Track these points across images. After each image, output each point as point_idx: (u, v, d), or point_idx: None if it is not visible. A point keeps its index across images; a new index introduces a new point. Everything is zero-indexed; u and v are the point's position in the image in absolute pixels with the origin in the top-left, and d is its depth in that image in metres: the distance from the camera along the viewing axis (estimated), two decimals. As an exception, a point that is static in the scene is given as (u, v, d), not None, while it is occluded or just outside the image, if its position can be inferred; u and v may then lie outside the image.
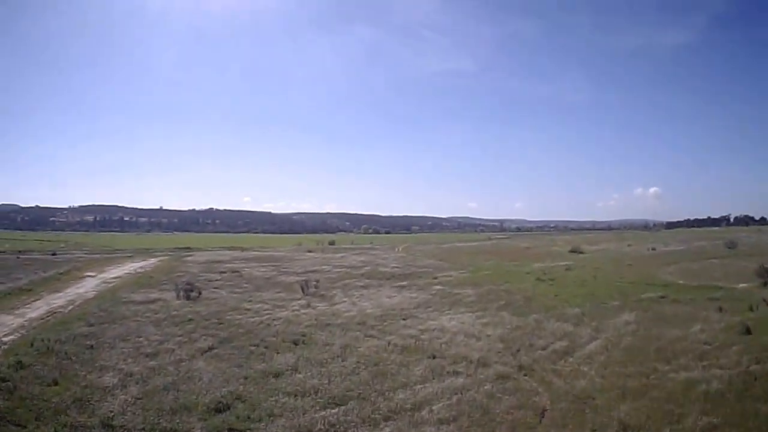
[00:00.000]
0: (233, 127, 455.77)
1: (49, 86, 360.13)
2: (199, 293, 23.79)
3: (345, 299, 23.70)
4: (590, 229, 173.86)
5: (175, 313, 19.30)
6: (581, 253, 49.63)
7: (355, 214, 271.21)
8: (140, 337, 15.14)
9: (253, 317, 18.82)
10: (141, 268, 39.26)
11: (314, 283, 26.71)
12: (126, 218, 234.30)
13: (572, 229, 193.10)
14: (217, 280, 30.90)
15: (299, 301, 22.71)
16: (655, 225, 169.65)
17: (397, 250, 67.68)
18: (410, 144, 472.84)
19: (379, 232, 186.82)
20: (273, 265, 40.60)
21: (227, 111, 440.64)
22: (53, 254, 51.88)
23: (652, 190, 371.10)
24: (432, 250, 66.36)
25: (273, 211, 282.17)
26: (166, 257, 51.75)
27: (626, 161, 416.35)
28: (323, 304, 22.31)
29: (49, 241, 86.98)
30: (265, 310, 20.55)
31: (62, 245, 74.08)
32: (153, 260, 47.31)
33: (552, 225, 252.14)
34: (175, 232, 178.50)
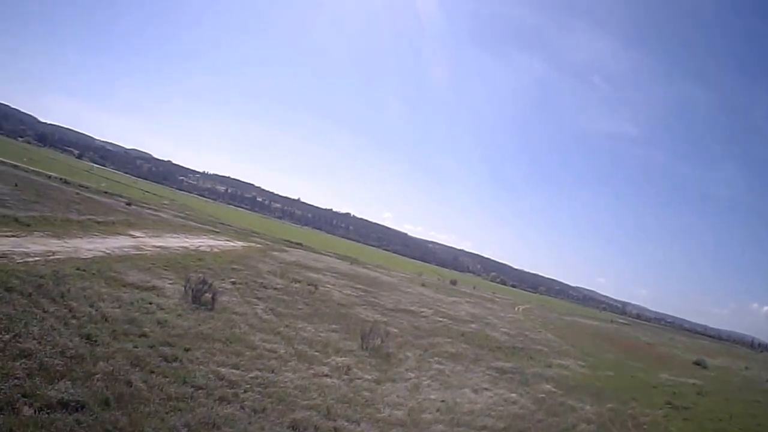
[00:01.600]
0: (391, 142, 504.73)
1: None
2: (213, 300, 18.52)
3: (411, 374, 16.91)
4: (702, 334, 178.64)
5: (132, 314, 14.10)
6: (705, 367, 46.64)
7: (488, 258, 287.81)
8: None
9: (244, 365, 12.69)
10: (208, 247, 37.05)
11: (383, 333, 20.16)
12: (259, 199, 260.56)
13: (686, 329, 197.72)
14: (274, 287, 26.67)
15: (342, 358, 16.26)
16: (760, 345, 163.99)
17: (516, 309, 66.83)
18: (554, 199, 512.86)
19: (505, 283, 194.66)
20: (365, 290, 36.79)
21: (391, 124, 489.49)
22: (128, 204, 53.60)
23: (765, 308, 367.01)
24: (553, 319, 65.18)
25: (410, 234, 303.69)
26: (258, 246, 50.83)
27: (755, 272, 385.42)
28: (373, 374, 15.57)
29: (153, 194, 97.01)
30: (277, 355, 14.45)
31: (165, 202, 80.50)
32: (238, 243, 46.66)
33: (669, 320, 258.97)
34: (305, 227, 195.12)
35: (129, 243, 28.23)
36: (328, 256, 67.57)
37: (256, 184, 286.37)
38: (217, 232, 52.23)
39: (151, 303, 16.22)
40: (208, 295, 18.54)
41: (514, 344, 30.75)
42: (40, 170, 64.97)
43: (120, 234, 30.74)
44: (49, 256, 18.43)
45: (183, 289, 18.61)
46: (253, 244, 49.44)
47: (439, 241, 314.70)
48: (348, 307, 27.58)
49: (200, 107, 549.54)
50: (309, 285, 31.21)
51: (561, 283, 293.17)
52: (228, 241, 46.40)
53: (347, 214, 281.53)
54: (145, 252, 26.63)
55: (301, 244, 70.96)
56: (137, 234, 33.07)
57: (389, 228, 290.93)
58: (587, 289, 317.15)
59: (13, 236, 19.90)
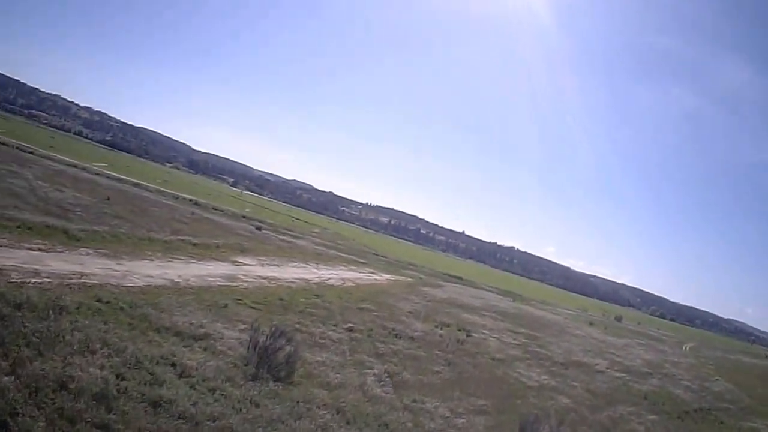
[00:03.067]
0: (556, 177, 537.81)
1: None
2: (289, 362, 12.67)
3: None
4: None
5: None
6: None
7: (647, 292, 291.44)
8: None
9: None
10: (339, 280, 34.12)
11: (553, 423, 12.99)
12: (423, 231, 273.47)
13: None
14: (409, 336, 21.90)
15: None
16: None
17: (684, 349, 65.05)
18: (705, 231, 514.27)
19: (664, 317, 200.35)
20: (528, 336, 32.91)
21: (560, 157, 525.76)
22: (257, 228, 52.95)
23: None
24: (721, 360, 59.92)
25: (572, 268, 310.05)
26: (409, 279, 49.40)
27: None
28: None
29: (305, 221, 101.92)
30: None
31: (315, 230, 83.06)
32: (384, 276, 45.44)
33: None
34: (468, 260, 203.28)
35: (223, 271, 24.57)
36: (489, 291, 66.02)
37: (421, 216, 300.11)
38: (362, 263, 51.02)
39: (183, 363, 10.84)
40: (284, 354, 12.75)
41: (700, 404, 28.58)
42: (169, 190, 68.36)
43: (219, 259, 27.48)
44: (68, 278, 14.64)
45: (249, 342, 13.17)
46: (402, 278, 48.11)
47: (600, 275, 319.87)
48: (506, 364, 23.65)
49: (362, 141, 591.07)
50: (459, 330, 27.21)
51: (714, 315, 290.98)
52: (372, 273, 44.80)
53: (511, 248, 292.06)
54: (236, 284, 22.46)
55: (460, 278, 70.26)
56: (245, 261, 29.96)
57: (552, 262, 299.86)
58: (737, 321, 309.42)
59: (36, 250, 17.01)
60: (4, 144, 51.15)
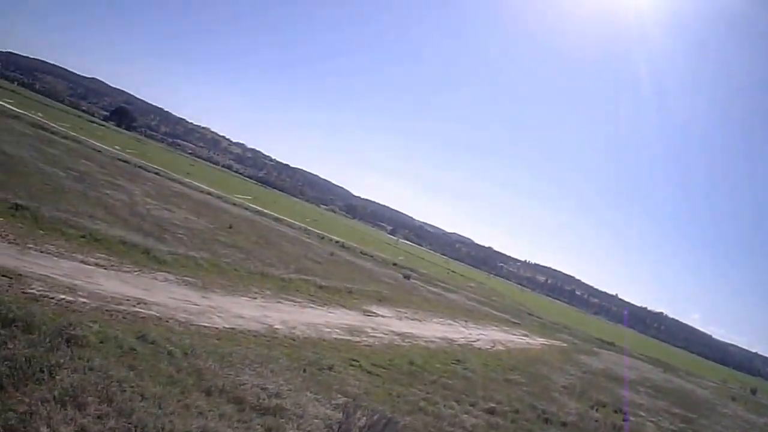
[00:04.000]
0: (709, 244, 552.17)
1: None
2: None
3: None
4: None
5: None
6: None
7: None
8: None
9: None
10: (489, 342, 31.38)
11: None
12: (578, 292, 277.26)
13: None
14: (561, 421, 17.78)
15: None
16: None
17: None
18: None
19: None
20: (684, 419, 29.05)
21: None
22: (406, 277, 50.73)
23: None
24: None
25: (713, 336, 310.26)
26: (563, 344, 47.68)
27: None
28: None
29: (460, 275, 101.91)
30: None
31: (471, 284, 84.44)
32: (538, 340, 43.30)
33: None
34: (618, 324, 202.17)
35: (347, 321, 21.40)
36: (641, 359, 64.81)
37: (576, 277, 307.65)
38: (516, 324, 49.17)
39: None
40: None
41: None
42: (313, 228, 67.96)
43: (346, 307, 24.36)
44: (114, 303, 12.19)
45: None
46: (556, 342, 46.89)
47: (738, 344, 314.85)
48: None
49: (525, 198, 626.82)
50: (616, 412, 24.86)
51: None
52: (525, 336, 42.97)
53: (660, 314, 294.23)
54: (358, 339, 19.05)
55: (613, 344, 70.38)
56: (379, 312, 26.72)
57: (697, 329, 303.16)
58: None
59: (91, 264, 14.99)
60: (124, 161, 52.68)
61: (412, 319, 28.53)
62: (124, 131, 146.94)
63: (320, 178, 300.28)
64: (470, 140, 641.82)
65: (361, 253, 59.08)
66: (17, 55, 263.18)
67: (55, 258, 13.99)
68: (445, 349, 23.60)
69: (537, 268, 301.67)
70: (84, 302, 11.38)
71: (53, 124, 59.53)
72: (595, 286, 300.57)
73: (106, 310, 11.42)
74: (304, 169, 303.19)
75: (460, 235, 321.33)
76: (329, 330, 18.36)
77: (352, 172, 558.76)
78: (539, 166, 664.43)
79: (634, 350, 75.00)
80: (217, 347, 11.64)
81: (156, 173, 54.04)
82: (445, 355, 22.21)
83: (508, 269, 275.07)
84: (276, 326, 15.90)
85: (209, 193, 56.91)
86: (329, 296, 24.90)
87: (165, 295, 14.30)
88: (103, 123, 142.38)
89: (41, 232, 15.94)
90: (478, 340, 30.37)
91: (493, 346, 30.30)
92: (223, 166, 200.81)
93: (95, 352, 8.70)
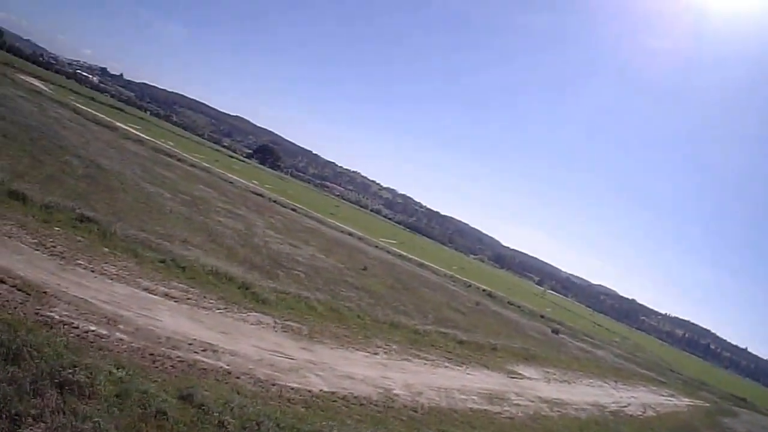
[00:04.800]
0: None
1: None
2: None
3: None
4: None
5: None
6: None
7: None
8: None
9: None
10: (639, 407, 28.68)
11: None
12: (712, 346, 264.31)
13: None
14: None
15: None
16: None
17: None
18: None
19: None
20: None
21: None
22: (554, 332, 46.47)
23: None
24: None
25: None
26: (705, 404, 45.43)
27: None
28: None
29: (605, 328, 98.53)
30: None
31: (616, 339, 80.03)
32: (684, 401, 40.94)
33: None
34: (746, 378, 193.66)
35: (488, 384, 17.77)
36: None
37: (712, 331, 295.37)
38: (662, 383, 46.19)
39: None
40: None
41: None
42: (459, 276, 64.21)
43: (488, 367, 20.63)
44: (166, 346, 9.79)
45: None
46: (699, 402, 44.80)
47: None
48: None
49: (672, 251, 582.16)
50: None
51: None
52: (672, 396, 40.44)
53: None
54: (498, 408, 15.49)
55: (744, 400, 66.49)
56: (526, 373, 23.10)
57: None
58: None
59: (158, 293, 12.67)
60: (257, 194, 51.26)
61: (561, 381, 25.28)
62: (267, 169, 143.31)
63: (470, 226, 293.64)
64: (621, 193, 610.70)
65: (508, 303, 54.94)
66: (154, 87, 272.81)
67: (110, 281, 11.76)
68: (596, 419, 20.77)
69: (676, 321, 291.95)
70: (121, 339, 8.84)
71: (178, 151, 59.36)
72: (728, 339, 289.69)
73: (150, 354, 8.78)
74: (454, 216, 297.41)
75: (604, 287, 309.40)
76: (464, 397, 14.79)
77: (502, 221, 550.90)
78: (686, 221, 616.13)
79: (764, 407, 71.16)
80: (300, 420, 8.39)
81: (292, 209, 51.65)
82: (597, 427, 19.49)
83: (649, 323, 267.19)
84: (395, 391, 12.43)
85: (349, 234, 53.86)
86: (470, 353, 21.15)
87: (248, 343, 11.31)
88: (244, 159, 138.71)
89: (105, 249, 13.97)
90: (628, 405, 27.83)
91: (644, 412, 27.96)
92: (371, 210, 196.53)
93: (99, 407, 6.36)
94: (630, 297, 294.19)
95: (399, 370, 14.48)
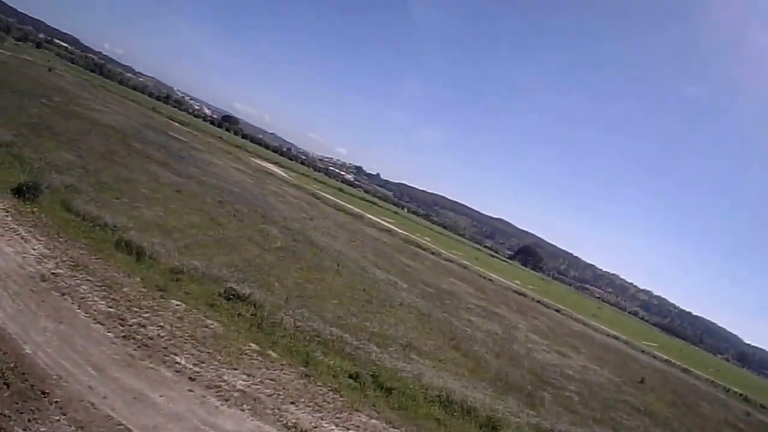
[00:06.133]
0: None
1: None
2: None
3: None
4: None
5: None
6: None
7: None
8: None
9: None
10: None
11: None
12: None
13: None
14: None
15: None
16: None
17: None
18: None
19: None
20: None
21: None
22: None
23: None
24: None
25: None
26: None
27: None
28: None
29: None
30: None
31: None
32: None
33: None
34: None
35: None
36: None
37: None
38: None
39: None
40: None
41: None
42: (721, 382, 57.17)
43: None
44: None
45: None
46: None
47: None
48: None
49: None
50: None
51: None
52: None
53: None
54: None
55: None
56: None
57: None
58: None
59: (287, 400, 9.70)
60: (519, 293, 50.58)
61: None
62: (529, 270, 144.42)
63: (717, 325, 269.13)
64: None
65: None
66: (413, 187, 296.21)
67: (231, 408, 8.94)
68: None
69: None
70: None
71: (433, 245, 60.44)
72: None
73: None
74: (703, 316, 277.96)
75: None
76: None
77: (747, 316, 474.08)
78: None
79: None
80: None
81: (556, 310, 50.37)
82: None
83: None
84: None
85: (615, 337, 51.73)
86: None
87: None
88: (506, 260, 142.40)
89: (251, 345, 10.90)
90: None
91: None
92: (629, 311, 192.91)
93: None
94: None
95: None
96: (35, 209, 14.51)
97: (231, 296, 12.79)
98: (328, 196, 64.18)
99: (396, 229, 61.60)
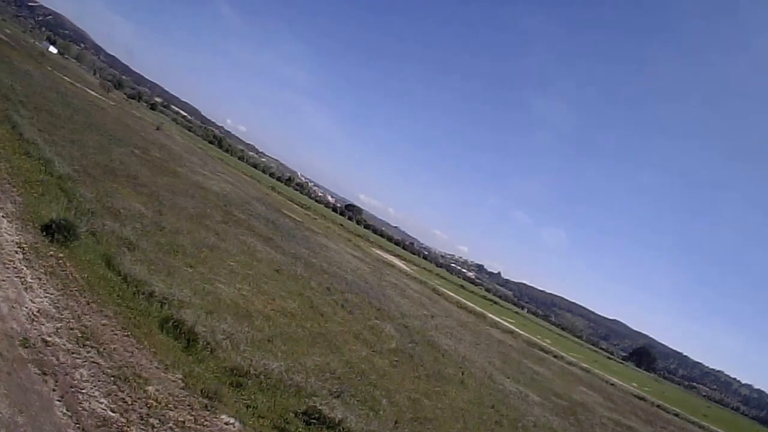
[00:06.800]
0: None
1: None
2: None
3: None
4: None
5: None
6: None
7: None
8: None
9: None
10: None
11: None
12: None
13: None
14: None
15: None
16: None
17: None
18: None
19: None
20: None
21: None
22: None
23: None
24: None
25: None
26: None
27: None
28: None
29: None
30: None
31: None
32: None
33: None
34: None
35: None
36: None
37: None
38: None
39: None
40: None
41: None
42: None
43: None
44: None
45: None
46: None
47: None
48: None
49: None
50: None
51: None
52: None
53: None
54: None
55: None
56: None
57: None
58: None
59: None
60: (641, 398, 49.88)
61: None
62: (643, 371, 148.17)
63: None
64: None
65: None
66: (533, 287, 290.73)
67: None
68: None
69: None
70: None
71: (554, 348, 58.99)
72: None
73: None
74: None
75: None
76: None
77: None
78: None
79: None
80: None
81: (675, 414, 50.58)
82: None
83: None
84: None
85: None
86: None
87: None
88: (622, 362, 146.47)
89: None
90: None
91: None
92: (732, 408, 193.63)
93: None
94: None
95: None
96: (62, 255, 11.79)
97: (313, 419, 8.95)
98: (449, 292, 63.00)
99: (518, 330, 59.23)
